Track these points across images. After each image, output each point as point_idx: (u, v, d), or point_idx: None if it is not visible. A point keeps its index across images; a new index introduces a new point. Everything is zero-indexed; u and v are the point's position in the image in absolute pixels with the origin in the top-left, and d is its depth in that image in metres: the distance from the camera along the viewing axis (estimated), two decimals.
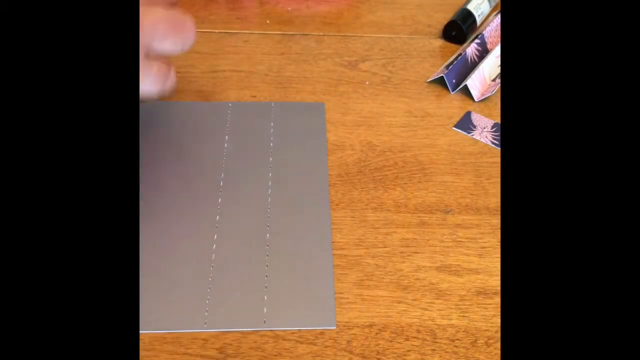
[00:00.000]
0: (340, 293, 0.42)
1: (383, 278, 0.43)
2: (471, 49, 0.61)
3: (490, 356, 0.39)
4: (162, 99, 0.46)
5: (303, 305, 0.41)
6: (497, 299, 0.42)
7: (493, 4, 0.68)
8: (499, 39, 0.64)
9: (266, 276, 0.43)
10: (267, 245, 0.45)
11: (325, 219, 0.47)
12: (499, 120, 0.56)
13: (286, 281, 0.43)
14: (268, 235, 0.45)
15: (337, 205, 0.48)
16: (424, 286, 0.43)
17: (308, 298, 0.42)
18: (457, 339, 0.40)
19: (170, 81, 0.46)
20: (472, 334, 0.40)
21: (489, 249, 0.45)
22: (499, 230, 0.46)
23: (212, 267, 0.43)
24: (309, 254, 0.44)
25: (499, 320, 0.41)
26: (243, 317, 0.41)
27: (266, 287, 0.42)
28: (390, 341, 0.40)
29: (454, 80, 0.59)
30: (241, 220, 0.46)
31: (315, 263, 0.44)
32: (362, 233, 0.46)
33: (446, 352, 0.40)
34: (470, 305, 0.42)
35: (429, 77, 0.60)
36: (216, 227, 0.46)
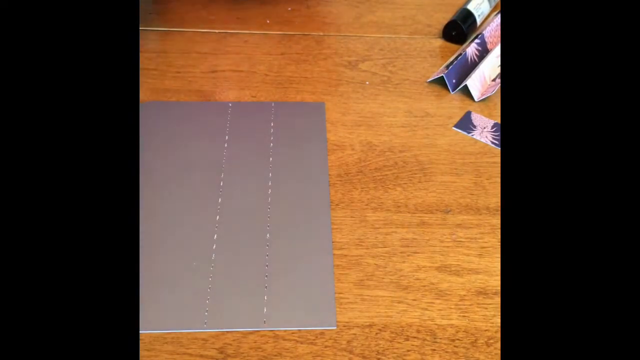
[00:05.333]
0: (340, 293, 0.42)
1: (383, 278, 0.43)
2: (471, 49, 0.61)
3: (490, 356, 0.39)
4: None
5: (303, 305, 0.41)
6: (497, 299, 0.42)
7: (493, 4, 0.68)
8: (499, 39, 0.64)
9: (266, 276, 0.43)
10: (267, 245, 0.45)
11: (325, 219, 0.47)
12: (499, 120, 0.56)
13: (286, 281, 0.42)
14: (268, 235, 0.45)
15: (337, 205, 0.48)
16: (424, 286, 0.43)
17: (308, 298, 0.42)
18: (457, 339, 0.40)
19: None
20: (472, 334, 0.40)
21: (489, 249, 0.45)
22: (499, 230, 0.46)
23: (212, 267, 0.43)
24: (309, 254, 0.44)
25: (499, 320, 0.41)
26: (243, 317, 0.40)
27: (266, 287, 0.42)
28: (390, 341, 0.40)
29: (454, 80, 0.59)
30: (241, 220, 0.46)
31: (316, 263, 0.44)
32: (362, 233, 0.46)
33: (446, 352, 0.39)
34: (470, 305, 0.42)
35: (429, 77, 0.60)
36: (216, 227, 0.46)
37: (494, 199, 0.49)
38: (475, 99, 0.58)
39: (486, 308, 0.42)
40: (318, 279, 0.43)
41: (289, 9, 0.69)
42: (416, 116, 0.56)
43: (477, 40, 0.62)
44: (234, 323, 0.40)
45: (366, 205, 0.48)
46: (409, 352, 0.39)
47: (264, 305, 0.41)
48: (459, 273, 0.44)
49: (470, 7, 0.65)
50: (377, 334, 0.40)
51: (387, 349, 0.39)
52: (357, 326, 0.41)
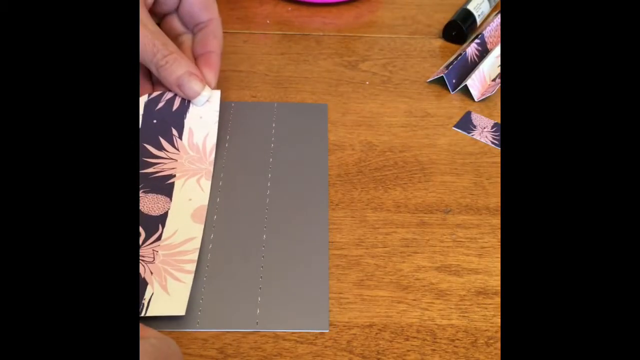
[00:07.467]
0: (340, 293, 0.42)
1: (383, 278, 0.43)
2: (471, 49, 0.61)
3: (490, 356, 0.39)
4: None
5: (296, 307, 0.41)
6: (497, 299, 0.42)
7: (493, 4, 0.68)
8: (499, 39, 0.64)
9: (261, 277, 0.43)
10: (264, 246, 0.44)
11: (323, 219, 0.46)
12: (499, 120, 0.56)
13: (280, 283, 0.42)
14: (264, 235, 0.45)
15: (336, 205, 0.48)
16: (424, 286, 0.43)
17: (301, 300, 0.41)
18: (457, 339, 0.40)
19: None
20: (472, 334, 0.40)
21: (489, 249, 0.45)
22: (499, 230, 0.46)
23: (207, 266, 0.43)
24: (305, 255, 0.44)
25: (499, 320, 0.41)
26: (236, 318, 0.40)
27: (260, 288, 0.42)
28: (390, 341, 0.40)
29: (454, 80, 0.59)
30: (239, 220, 0.46)
31: (311, 265, 0.43)
32: (362, 233, 0.46)
33: (446, 352, 0.39)
34: (470, 305, 0.42)
35: (429, 77, 0.60)
36: (213, 226, 0.46)
37: (494, 199, 0.49)
38: (475, 99, 0.58)
39: (486, 308, 0.42)
40: (313, 281, 0.43)
41: (289, 9, 0.69)
42: (416, 116, 0.56)
43: (477, 40, 0.62)
44: (227, 324, 0.40)
45: (366, 205, 0.48)
46: (409, 352, 0.39)
47: (257, 306, 0.41)
48: (459, 273, 0.44)
49: (470, 7, 0.65)
50: (377, 334, 0.40)
51: (387, 349, 0.39)
52: (357, 326, 0.41)
